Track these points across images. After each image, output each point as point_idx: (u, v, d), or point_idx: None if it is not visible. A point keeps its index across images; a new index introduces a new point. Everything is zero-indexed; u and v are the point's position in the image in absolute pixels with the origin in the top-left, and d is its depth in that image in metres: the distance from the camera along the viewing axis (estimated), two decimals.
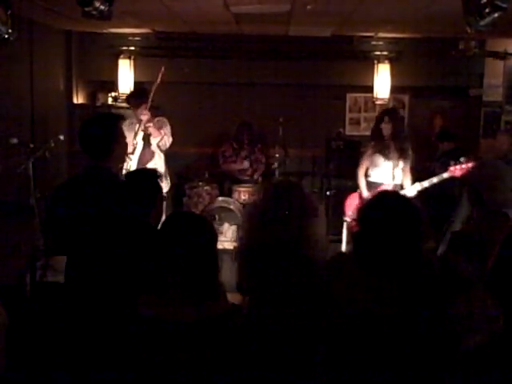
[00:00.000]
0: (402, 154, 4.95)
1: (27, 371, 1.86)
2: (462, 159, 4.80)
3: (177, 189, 7.36)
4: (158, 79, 5.57)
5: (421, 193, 4.92)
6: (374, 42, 7.42)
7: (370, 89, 7.54)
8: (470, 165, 4.75)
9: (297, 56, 7.41)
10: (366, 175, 5.16)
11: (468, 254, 2.01)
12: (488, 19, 3.46)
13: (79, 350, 2.22)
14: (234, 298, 2.11)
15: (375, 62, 7.41)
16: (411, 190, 4.88)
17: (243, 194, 6.82)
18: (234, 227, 6.50)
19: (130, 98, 5.75)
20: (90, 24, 5.96)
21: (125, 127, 5.29)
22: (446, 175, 4.83)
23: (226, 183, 7.13)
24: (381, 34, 7.18)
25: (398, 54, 7.38)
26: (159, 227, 2.76)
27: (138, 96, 5.59)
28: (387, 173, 4.99)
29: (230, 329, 1.74)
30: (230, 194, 6.87)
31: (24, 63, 6.08)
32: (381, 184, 5.00)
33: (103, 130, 2.84)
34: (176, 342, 1.67)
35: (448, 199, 6.10)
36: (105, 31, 7.12)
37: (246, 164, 7.03)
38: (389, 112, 5.14)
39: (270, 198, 2.77)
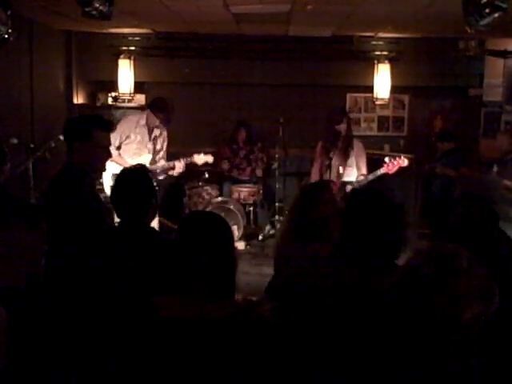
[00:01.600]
0: (345, 154, 5.10)
1: (31, 371, 1.86)
2: (397, 156, 4.96)
3: (177, 189, 7.37)
4: (201, 160, 5.60)
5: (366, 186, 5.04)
6: (374, 42, 7.43)
7: (370, 89, 7.54)
8: (403, 162, 4.88)
9: (297, 56, 7.42)
10: (321, 174, 5.26)
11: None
12: (488, 19, 3.47)
13: (91, 353, 2.22)
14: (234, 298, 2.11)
15: (375, 62, 7.42)
16: (354, 184, 5.02)
17: (243, 194, 6.83)
18: (233, 227, 6.50)
19: (162, 110, 5.65)
20: (89, 24, 5.96)
21: (132, 125, 5.45)
22: (380, 171, 4.95)
23: (226, 183, 7.13)
24: (381, 34, 7.18)
25: (398, 54, 7.39)
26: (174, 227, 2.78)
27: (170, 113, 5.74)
28: (334, 171, 5.14)
29: (251, 324, 1.75)
30: (229, 194, 6.87)
31: (24, 63, 6.08)
32: (331, 182, 5.09)
33: (69, 129, 3.02)
34: (201, 341, 1.68)
35: (448, 199, 6.12)
36: (105, 31, 7.12)
37: (226, 166, 7.03)
38: (346, 113, 5.24)
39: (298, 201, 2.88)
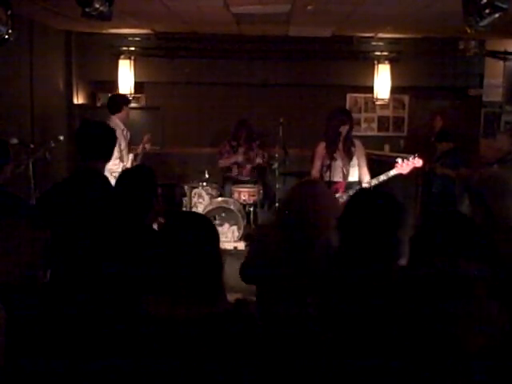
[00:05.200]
0: (349, 153, 5.03)
1: (29, 370, 1.86)
2: (410, 156, 4.86)
3: (177, 189, 7.38)
4: (139, 149, 5.95)
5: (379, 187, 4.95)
6: (374, 43, 7.43)
7: (370, 89, 7.54)
8: (418, 162, 4.78)
9: (297, 56, 7.42)
10: (321, 175, 5.19)
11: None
12: (488, 20, 3.47)
13: (82, 352, 2.21)
14: (233, 298, 2.11)
15: (375, 62, 7.42)
16: (371, 183, 4.93)
17: (243, 194, 6.82)
18: (234, 227, 6.50)
19: (120, 103, 5.87)
20: (89, 24, 5.97)
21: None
22: (393, 172, 4.82)
23: (226, 183, 7.14)
24: (381, 35, 7.18)
25: (398, 55, 7.39)
26: (158, 227, 2.78)
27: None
28: (339, 172, 5.05)
29: (240, 322, 1.76)
30: (230, 194, 6.87)
31: (24, 63, 6.08)
32: (336, 182, 5.01)
33: (108, 133, 2.97)
34: (188, 340, 1.69)
35: (448, 199, 6.12)
36: (105, 31, 7.13)
37: (240, 158, 7.03)
38: (348, 114, 5.17)
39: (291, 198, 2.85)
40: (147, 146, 6.00)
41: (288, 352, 2.15)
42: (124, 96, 6.15)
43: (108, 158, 2.97)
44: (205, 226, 1.86)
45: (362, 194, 2.29)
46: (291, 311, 2.42)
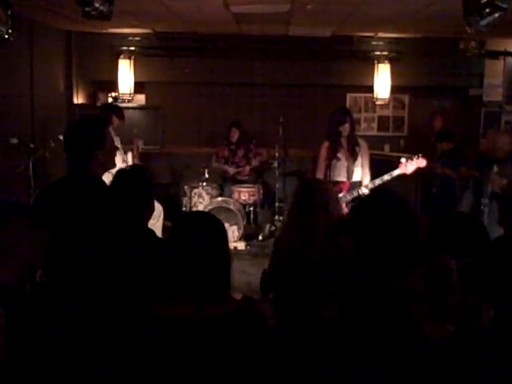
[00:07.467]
0: (353, 153, 5.00)
1: (27, 370, 1.86)
2: (414, 156, 4.84)
3: (177, 189, 7.39)
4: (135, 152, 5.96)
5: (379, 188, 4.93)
6: (374, 42, 7.43)
7: (370, 89, 7.54)
8: (422, 162, 4.77)
9: (297, 56, 7.42)
10: (326, 175, 5.15)
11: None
12: (488, 19, 3.47)
13: (85, 352, 2.21)
14: (234, 297, 2.11)
15: (375, 62, 7.42)
16: (369, 185, 4.91)
17: (243, 194, 6.83)
18: (234, 227, 6.51)
19: (114, 111, 5.83)
20: (90, 24, 5.96)
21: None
22: (397, 172, 4.78)
23: (226, 183, 7.14)
24: (381, 34, 7.19)
25: (398, 54, 7.39)
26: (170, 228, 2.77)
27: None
28: (344, 171, 5.02)
29: (248, 322, 1.76)
30: (230, 194, 6.88)
31: (24, 63, 6.08)
32: (340, 182, 4.98)
33: (85, 134, 2.67)
34: (199, 340, 1.69)
35: (448, 199, 6.12)
36: (105, 31, 7.13)
37: (231, 171, 7.11)
38: (349, 113, 5.14)
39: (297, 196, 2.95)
40: (140, 144, 6.00)
41: (300, 354, 2.14)
42: (112, 105, 6.11)
43: (89, 157, 2.64)
44: (215, 226, 1.87)
45: (374, 196, 2.27)
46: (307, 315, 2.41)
